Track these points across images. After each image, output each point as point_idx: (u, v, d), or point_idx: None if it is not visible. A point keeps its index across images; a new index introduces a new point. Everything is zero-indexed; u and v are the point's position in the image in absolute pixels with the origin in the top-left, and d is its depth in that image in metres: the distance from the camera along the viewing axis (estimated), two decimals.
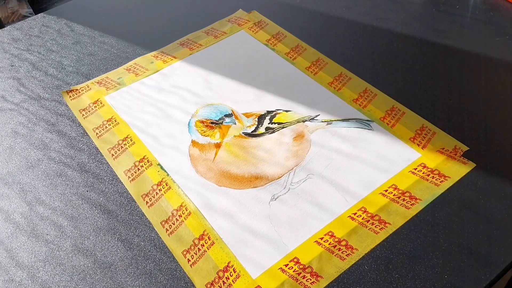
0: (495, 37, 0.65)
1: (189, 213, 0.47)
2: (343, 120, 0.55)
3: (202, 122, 0.56)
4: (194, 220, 0.47)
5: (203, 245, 0.44)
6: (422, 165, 0.49)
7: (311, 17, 0.71)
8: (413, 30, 0.67)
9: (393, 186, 0.47)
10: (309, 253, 0.43)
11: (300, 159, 0.51)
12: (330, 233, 0.44)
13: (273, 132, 0.53)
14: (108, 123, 0.57)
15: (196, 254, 0.44)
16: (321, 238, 0.44)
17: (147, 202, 0.48)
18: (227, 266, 0.43)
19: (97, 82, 0.63)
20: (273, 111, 0.56)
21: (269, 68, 0.62)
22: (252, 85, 0.60)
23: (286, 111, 0.56)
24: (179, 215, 0.47)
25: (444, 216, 0.44)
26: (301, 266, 0.42)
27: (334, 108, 0.56)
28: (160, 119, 0.57)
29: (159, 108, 0.59)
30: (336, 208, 0.46)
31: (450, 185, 0.47)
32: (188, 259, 0.44)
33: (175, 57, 0.66)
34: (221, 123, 0.56)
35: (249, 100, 0.58)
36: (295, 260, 0.43)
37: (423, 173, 0.48)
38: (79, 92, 0.62)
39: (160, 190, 0.49)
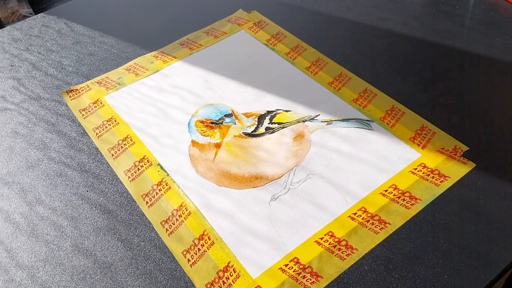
0: (495, 37, 0.65)
1: (189, 213, 0.47)
2: (343, 120, 0.55)
3: (202, 122, 0.56)
4: (194, 220, 0.47)
5: (203, 245, 0.44)
6: (422, 165, 0.49)
7: (311, 17, 0.71)
8: (413, 30, 0.67)
9: (393, 186, 0.47)
10: (309, 253, 0.43)
11: (300, 159, 0.51)
12: (330, 233, 0.44)
13: (273, 132, 0.53)
14: (108, 123, 0.57)
15: (196, 254, 0.44)
16: (321, 238, 0.44)
17: (147, 202, 0.48)
18: (227, 266, 0.43)
19: (97, 82, 0.63)
20: (273, 111, 0.56)
21: (269, 68, 0.62)
22: (252, 85, 0.60)
23: (286, 111, 0.56)
24: (179, 215, 0.47)
25: (444, 216, 0.44)
26: (301, 266, 0.42)
27: (334, 108, 0.56)
28: (160, 119, 0.57)
29: (159, 108, 0.59)
30: (336, 208, 0.46)
31: (450, 185, 0.47)
32: (188, 259, 0.44)
33: (175, 57, 0.66)
34: (221, 123, 0.56)
35: (249, 100, 0.58)
36: (295, 260, 0.43)
37: (423, 173, 0.48)
38: (79, 92, 0.62)
39: (160, 190, 0.49)
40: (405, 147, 0.51)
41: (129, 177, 0.51)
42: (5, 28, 0.75)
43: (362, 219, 0.45)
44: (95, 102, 0.60)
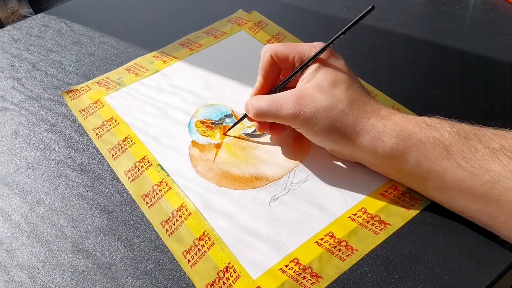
0: (495, 37, 0.65)
1: (189, 214, 0.47)
2: None
3: (202, 122, 0.56)
4: (194, 221, 0.47)
5: (203, 246, 0.44)
6: None
7: (311, 17, 0.71)
8: (413, 30, 0.67)
9: (393, 187, 0.47)
10: (309, 254, 0.43)
11: (300, 159, 0.51)
12: (330, 234, 0.44)
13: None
14: (108, 123, 0.57)
15: (196, 255, 0.44)
16: (321, 239, 0.44)
17: (147, 203, 0.48)
18: (227, 266, 0.43)
19: (97, 82, 0.63)
20: None
21: None
22: (252, 86, 0.60)
23: None
24: (179, 216, 0.47)
25: (444, 216, 0.44)
26: (301, 267, 0.42)
27: None
28: (160, 119, 0.57)
29: (159, 108, 0.59)
30: (336, 209, 0.46)
31: None
32: (188, 259, 0.44)
33: (175, 57, 0.66)
34: (222, 123, 0.56)
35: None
36: (295, 260, 0.43)
37: None
38: (79, 92, 0.62)
39: (160, 190, 0.49)
40: None
41: (129, 178, 0.51)
42: (5, 28, 0.75)
43: (362, 219, 0.45)
44: (95, 102, 0.60)
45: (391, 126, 0.43)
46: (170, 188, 0.50)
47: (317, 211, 0.46)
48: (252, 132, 0.55)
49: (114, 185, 0.51)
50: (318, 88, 0.45)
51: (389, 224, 0.45)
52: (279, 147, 0.52)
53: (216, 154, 0.52)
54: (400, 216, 0.45)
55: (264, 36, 0.68)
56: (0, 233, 0.47)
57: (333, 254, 0.43)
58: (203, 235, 0.45)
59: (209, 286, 0.42)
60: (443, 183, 0.41)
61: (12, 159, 0.55)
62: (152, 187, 0.50)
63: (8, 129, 0.58)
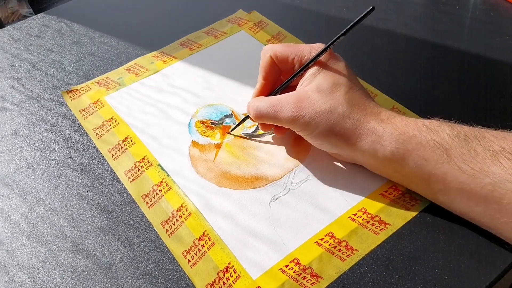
0: (495, 37, 0.65)
1: (189, 214, 0.47)
2: None
3: (203, 122, 0.56)
4: (194, 221, 0.47)
5: (204, 246, 0.44)
6: None
7: (311, 17, 0.71)
8: (413, 30, 0.67)
9: (394, 187, 0.47)
10: (309, 254, 0.43)
11: (300, 159, 0.51)
12: (330, 234, 0.44)
13: (273, 132, 0.53)
14: (108, 123, 0.57)
15: (196, 255, 0.44)
16: (321, 239, 0.44)
17: (147, 203, 0.48)
18: (228, 266, 0.43)
19: (97, 82, 0.63)
20: None
21: None
22: (252, 86, 0.60)
23: None
24: (179, 216, 0.47)
25: (444, 216, 0.44)
26: (301, 267, 0.42)
27: None
28: (160, 119, 0.57)
29: (159, 108, 0.59)
30: (336, 209, 0.46)
31: None
32: (188, 259, 0.44)
33: (175, 57, 0.66)
34: (222, 123, 0.56)
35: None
36: (295, 261, 0.43)
37: None
38: (79, 92, 0.62)
39: (160, 190, 0.49)
40: None
41: (129, 178, 0.51)
42: (5, 28, 0.75)
43: (362, 220, 0.45)
44: (95, 102, 0.60)
45: (390, 130, 0.43)
46: (170, 188, 0.50)
47: (317, 211, 0.46)
48: (252, 132, 0.55)
49: (114, 185, 0.51)
50: (318, 91, 0.45)
51: (389, 224, 0.45)
52: (279, 147, 0.52)
53: (216, 154, 0.52)
54: (400, 216, 0.45)
55: (264, 36, 0.68)
56: (0, 233, 0.47)
57: (333, 254, 0.43)
58: (203, 235, 0.45)
59: (209, 286, 0.42)
60: (444, 186, 0.41)
61: (12, 159, 0.55)
62: (152, 187, 0.50)
63: (8, 129, 0.58)
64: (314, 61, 0.46)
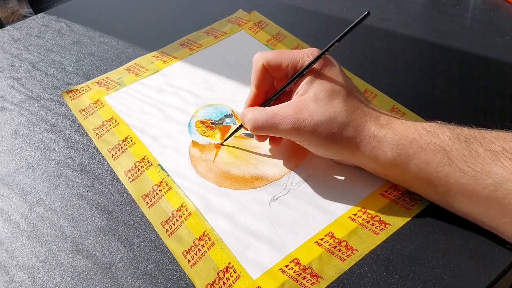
0: (495, 37, 0.65)
1: (190, 214, 0.47)
2: None
3: (203, 122, 0.56)
4: (194, 221, 0.47)
5: (204, 246, 0.44)
6: None
7: (311, 17, 0.71)
8: (413, 30, 0.67)
9: (394, 187, 0.47)
10: (309, 254, 0.43)
11: (301, 159, 0.51)
12: (330, 234, 0.44)
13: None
14: (108, 123, 0.57)
15: (196, 255, 0.44)
16: (321, 239, 0.44)
17: (147, 203, 0.48)
18: (228, 266, 0.43)
19: (97, 82, 0.63)
20: None
21: None
22: None
23: None
24: (179, 216, 0.47)
25: (444, 216, 0.44)
26: (301, 267, 0.42)
27: None
28: (160, 119, 0.57)
29: (159, 108, 0.59)
30: (336, 209, 0.46)
31: None
32: (188, 259, 0.44)
33: (175, 57, 0.66)
34: (222, 123, 0.56)
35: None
36: (295, 261, 0.43)
37: None
38: (79, 92, 0.62)
39: (160, 190, 0.49)
40: None
41: (129, 178, 0.51)
42: (5, 28, 0.75)
43: (362, 220, 0.45)
44: (95, 102, 0.60)
45: (391, 136, 0.42)
46: (170, 188, 0.50)
47: (317, 211, 0.46)
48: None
49: (114, 185, 0.51)
50: (315, 100, 0.44)
51: (389, 224, 0.45)
52: (280, 148, 0.52)
53: (216, 154, 0.52)
54: (400, 216, 0.45)
55: (264, 36, 0.68)
56: (0, 233, 0.47)
57: (333, 254, 0.43)
58: (203, 235, 0.45)
59: (209, 286, 0.42)
60: (446, 188, 0.41)
61: (12, 159, 0.55)
62: (152, 187, 0.50)
63: (8, 129, 0.58)
64: (308, 68, 0.46)
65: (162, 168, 0.52)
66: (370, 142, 0.43)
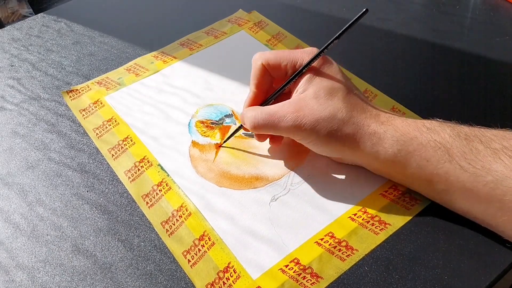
0: (495, 37, 0.65)
1: (190, 214, 0.47)
2: None
3: (203, 122, 0.56)
4: (194, 221, 0.47)
5: (204, 246, 0.44)
6: None
7: (311, 17, 0.71)
8: (413, 30, 0.67)
9: (393, 187, 0.47)
10: (309, 254, 0.43)
11: (301, 160, 0.51)
12: (330, 234, 0.44)
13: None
14: (108, 123, 0.57)
15: (196, 255, 0.44)
16: (321, 239, 0.44)
17: (147, 203, 0.48)
18: (228, 266, 0.43)
19: (97, 82, 0.63)
20: None
21: None
22: None
23: None
24: (179, 216, 0.47)
25: (444, 216, 0.44)
26: (301, 267, 0.42)
27: None
28: (160, 119, 0.57)
29: (159, 108, 0.59)
30: (336, 209, 0.46)
31: None
32: (188, 259, 0.44)
33: (175, 57, 0.66)
34: (222, 123, 0.56)
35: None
36: (295, 260, 0.43)
37: None
38: (79, 92, 0.62)
39: (160, 190, 0.49)
40: None
41: (129, 178, 0.51)
42: (5, 28, 0.75)
43: (362, 220, 0.45)
44: (95, 102, 0.60)
45: (391, 132, 0.43)
46: (170, 188, 0.50)
47: (317, 211, 0.46)
48: (252, 132, 0.54)
49: (114, 185, 0.51)
50: (316, 97, 0.44)
51: (389, 224, 0.45)
52: (279, 148, 0.52)
53: (216, 154, 0.52)
54: (400, 216, 0.45)
55: (264, 36, 0.68)
56: (0, 233, 0.47)
57: (333, 254, 0.43)
58: (203, 235, 0.45)
59: (209, 286, 0.42)
60: (446, 185, 0.41)
61: (12, 159, 0.55)
62: (152, 187, 0.50)
63: (8, 129, 0.58)
64: (308, 66, 0.46)
65: (162, 168, 0.52)
66: (371, 138, 0.43)
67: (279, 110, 0.45)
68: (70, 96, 0.61)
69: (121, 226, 0.47)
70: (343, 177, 0.49)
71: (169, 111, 0.58)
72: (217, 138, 0.54)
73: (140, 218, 0.48)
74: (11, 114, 0.60)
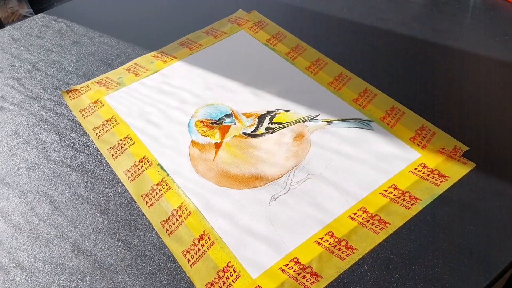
0: (495, 37, 0.65)
1: (189, 213, 0.47)
2: (343, 120, 0.55)
3: (202, 122, 0.56)
4: (194, 220, 0.47)
5: (203, 245, 0.44)
6: (422, 165, 0.49)
7: (311, 17, 0.71)
8: (413, 30, 0.67)
9: (393, 186, 0.47)
10: (309, 253, 0.43)
11: (300, 159, 0.51)
12: (330, 233, 0.44)
13: (273, 132, 0.53)
14: (108, 123, 0.57)
15: (196, 254, 0.44)
16: (321, 238, 0.44)
17: (147, 202, 0.48)
18: (227, 266, 0.43)
19: (97, 82, 0.63)
20: (273, 111, 0.56)
21: (269, 68, 0.62)
22: (252, 85, 0.60)
23: (286, 111, 0.56)
24: (179, 215, 0.47)
25: (444, 216, 0.44)
26: (301, 266, 0.42)
27: (334, 108, 0.56)
28: (160, 119, 0.57)
29: (159, 108, 0.59)
30: (336, 208, 0.46)
31: (450, 185, 0.47)
32: (188, 259, 0.44)
33: (175, 57, 0.66)
34: (221, 123, 0.56)
35: (249, 100, 0.58)
36: (295, 260, 0.43)
37: (423, 173, 0.48)
38: (79, 92, 0.62)
39: (160, 190, 0.49)
40: (405, 147, 0.51)
41: (129, 177, 0.51)
42: (5, 28, 0.75)
43: (362, 219, 0.45)
44: (95, 102, 0.60)
45: None
46: (170, 187, 0.50)
47: (317, 210, 0.46)
48: (252, 132, 0.55)
49: (114, 185, 0.51)
50: None
51: (389, 223, 0.45)
52: (279, 147, 0.52)
53: (215, 154, 0.52)
54: (400, 215, 0.45)
55: (264, 36, 0.68)
56: (0, 233, 0.47)
57: (333, 254, 0.43)
58: (202, 234, 0.45)
59: (208, 285, 0.42)
60: None
61: (12, 159, 0.55)
62: (152, 187, 0.50)
63: (8, 129, 0.58)
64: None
65: (161, 167, 0.52)
66: None
67: None
68: (70, 96, 0.61)
69: (121, 226, 0.47)
70: (343, 176, 0.49)
71: (169, 110, 0.58)
72: (216, 137, 0.54)
73: (139, 217, 0.48)
74: (11, 114, 0.60)
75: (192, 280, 0.42)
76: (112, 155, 0.54)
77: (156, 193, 0.49)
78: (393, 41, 0.66)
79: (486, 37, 0.65)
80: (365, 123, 0.54)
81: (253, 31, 0.69)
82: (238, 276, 0.42)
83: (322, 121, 0.55)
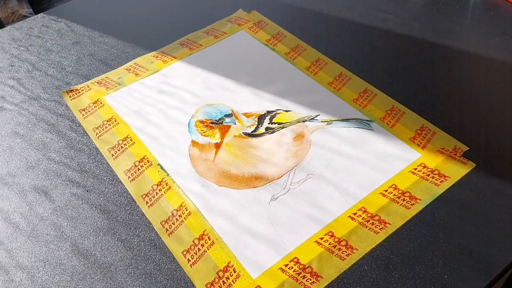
0: (495, 37, 0.65)
1: (189, 213, 0.47)
2: (343, 120, 0.55)
3: (202, 122, 0.56)
4: (194, 220, 0.47)
5: (203, 245, 0.44)
6: (422, 165, 0.49)
7: (311, 17, 0.71)
8: (413, 30, 0.67)
9: (393, 186, 0.47)
10: (309, 253, 0.43)
11: (300, 159, 0.51)
12: (330, 233, 0.44)
13: (273, 132, 0.53)
14: (108, 123, 0.57)
15: (196, 254, 0.44)
16: (321, 238, 0.44)
17: (147, 202, 0.48)
18: (227, 266, 0.43)
19: (97, 82, 0.63)
20: (273, 111, 0.56)
21: (269, 68, 0.62)
22: (252, 85, 0.60)
23: (286, 111, 0.56)
24: (179, 215, 0.47)
25: (444, 216, 0.44)
26: (301, 266, 0.42)
27: (334, 108, 0.56)
28: (160, 119, 0.57)
29: (159, 108, 0.59)
30: (336, 208, 0.46)
31: (450, 185, 0.47)
32: (188, 259, 0.44)
33: (175, 57, 0.66)
34: (221, 123, 0.56)
35: (249, 100, 0.58)
36: (295, 260, 0.43)
37: (423, 173, 0.48)
38: (79, 92, 0.62)
39: (160, 190, 0.49)
40: (405, 147, 0.51)
41: (129, 177, 0.51)
42: (5, 28, 0.75)
43: (362, 219, 0.45)
44: (95, 102, 0.60)
45: None
46: (170, 187, 0.50)
47: (317, 210, 0.46)
48: (252, 132, 0.55)
49: (114, 185, 0.51)
50: None
51: (389, 223, 0.45)
52: (279, 147, 0.52)
53: (215, 154, 0.52)
54: (400, 215, 0.45)
55: (264, 36, 0.68)
56: (0, 233, 0.47)
57: (333, 254, 0.43)
58: (202, 234, 0.45)
59: (208, 285, 0.42)
60: None
61: (12, 159, 0.55)
62: (152, 187, 0.50)
63: (8, 129, 0.58)
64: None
65: (161, 167, 0.52)
66: None
67: None
68: (70, 96, 0.61)
69: (121, 226, 0.47)
70: (342, 176, 0.49)
71: (169, 110, 0.58)
72: (216, 137, 0.54)
73: (139, 217, 0.48)
74: (11, 114, 0.60)
75: (192, 280, 0.42)
76: (112, 155, 0.54)
77: (156, 193, 0.49)
78: (393, 41, 0.66)
79: (486, 37, 0.65)
80: (365, 123, 0.54)
81: (253, 31, 0.69)
82: (238, 276, 0.42)
83: (322, 121, 0.55)
